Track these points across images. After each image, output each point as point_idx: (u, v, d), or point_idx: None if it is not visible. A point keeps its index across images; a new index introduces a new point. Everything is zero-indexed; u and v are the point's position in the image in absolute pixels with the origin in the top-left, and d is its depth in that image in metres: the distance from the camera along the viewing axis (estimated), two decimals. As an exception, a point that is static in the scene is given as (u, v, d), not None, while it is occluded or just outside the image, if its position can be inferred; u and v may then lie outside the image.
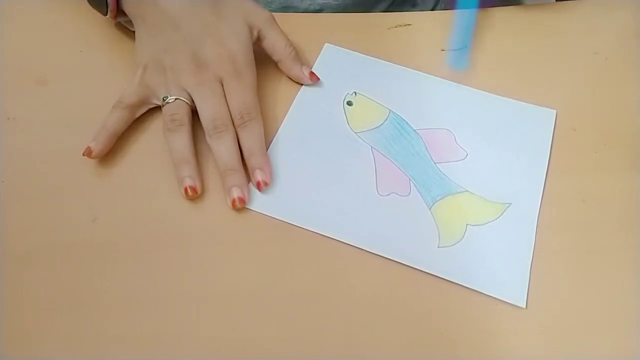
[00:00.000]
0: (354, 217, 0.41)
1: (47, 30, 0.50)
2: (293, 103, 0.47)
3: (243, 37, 0.44)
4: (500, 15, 0.54)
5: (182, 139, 0.42)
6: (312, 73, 0.47)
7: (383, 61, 0.50)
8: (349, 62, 0.50)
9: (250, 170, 0.42)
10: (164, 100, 0.43)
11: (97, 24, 0.49)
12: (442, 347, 0.37)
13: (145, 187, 0.42)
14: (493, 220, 0.42)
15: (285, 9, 0.58)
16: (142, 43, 0.45)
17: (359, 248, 0.40)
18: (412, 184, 0.43)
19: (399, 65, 0.50)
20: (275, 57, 0.47)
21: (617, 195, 0.44)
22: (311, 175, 0.43)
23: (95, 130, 0.42)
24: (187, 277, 0.38)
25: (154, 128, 0.44)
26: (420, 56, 0.50)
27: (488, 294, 0.39)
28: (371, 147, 0.45)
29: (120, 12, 0.46)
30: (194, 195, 0.41)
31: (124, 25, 0.49)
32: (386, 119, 0.47)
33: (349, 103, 0.47)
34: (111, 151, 0.42)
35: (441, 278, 0.39)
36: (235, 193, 0.41)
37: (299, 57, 0.48)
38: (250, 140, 0.42)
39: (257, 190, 0.42)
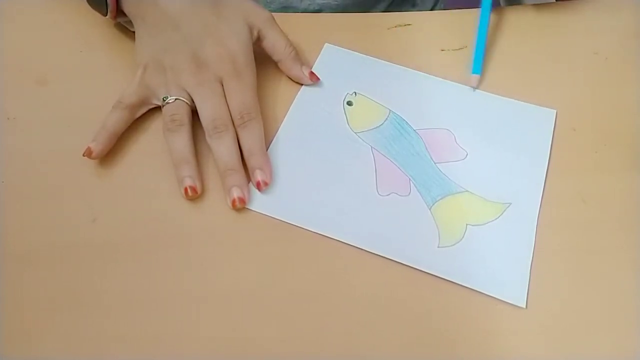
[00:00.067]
0: (354, 217, 0.41)
1: (47, 30, 0.50)
2: (293, 103, 0.47)
3: (243, 37, 0.44)
4: (501, 15, 0.54)
5: (182, 139, 0.42)
6: (312, 73, 0.47)
7: (383, 61, 0.50)
8: (348, 62, 0.50)
9: (250, 170, 0.42)
10: (164, 100, 0.43)
11: (97, 24, 0.49)
12: (442, 347, 0.37)
13: (145, 187, 0.42)
14: (493, 220, 0.42)
15: (285, 9, 0.58)
16: (142, 43, 0.45)
17: (359, 248, 0.40)
18: (412, 184, 0.43)
19: (398, 65, 0.50)
20: (275, 57, 0.47)
21: (617, 195, 0.44)
22: (311, 175, 0.43)
23: (95, 131, 0.42)
24: (187, 277, 0.38)
25: (154, 128, 0.44)
26: (420, 56, 0.50)
27: (488, 294, 0.39)
28: (371, 147, 0.45)
29: (120, 12, 0.46)
30: (194, 195, 0.41)
31: (124, 26, 0.49)
32: (386, 119, 0.47)
33: (349, 103, 0.47)
34: (111, 151, 0.42)
35: (441, 278, 0.39)
36: (235, 193, 0.41)
37: (299, 57, 0.48)
38: (250, 140, 0.42)
39: (257, 190, 0.42)
